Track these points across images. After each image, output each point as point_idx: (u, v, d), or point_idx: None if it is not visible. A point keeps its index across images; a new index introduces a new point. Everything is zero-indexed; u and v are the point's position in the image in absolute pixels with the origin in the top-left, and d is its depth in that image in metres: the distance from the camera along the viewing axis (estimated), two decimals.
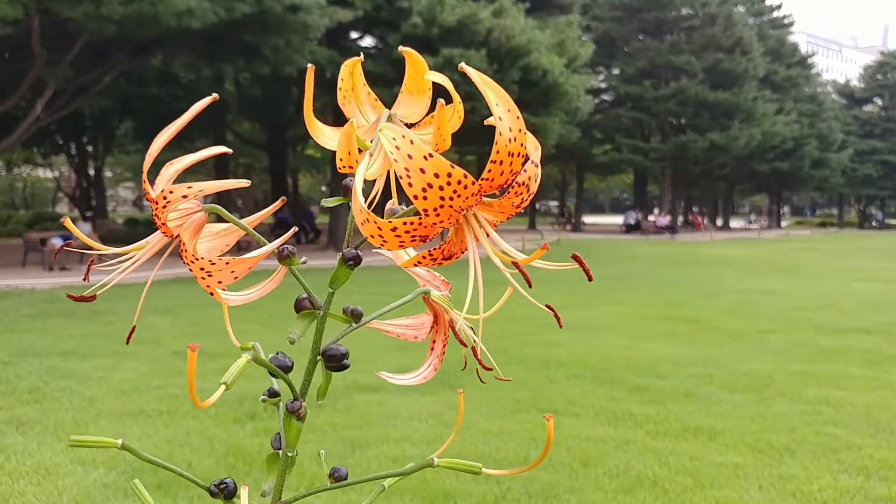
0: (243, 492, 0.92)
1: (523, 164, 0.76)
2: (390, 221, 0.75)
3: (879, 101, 66.46)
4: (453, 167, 0.71)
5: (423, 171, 0.70)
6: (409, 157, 0.70)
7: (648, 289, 15.85)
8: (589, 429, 5.87)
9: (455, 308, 0.95)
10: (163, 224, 0.85)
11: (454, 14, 21.66)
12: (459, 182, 0.72)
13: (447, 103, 0.83)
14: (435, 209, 0.73)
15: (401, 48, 0.88)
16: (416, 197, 0.71)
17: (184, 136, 36.85)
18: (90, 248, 0.89)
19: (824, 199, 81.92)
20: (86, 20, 16.01)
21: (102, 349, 8.61)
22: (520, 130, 0.73)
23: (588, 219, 58.95)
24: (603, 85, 50.89)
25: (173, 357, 8.15)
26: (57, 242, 19.04)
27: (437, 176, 0.71)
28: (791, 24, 60.83)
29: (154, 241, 0.89)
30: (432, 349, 0.99)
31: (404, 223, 0.75)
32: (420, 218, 0.74)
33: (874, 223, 64.21)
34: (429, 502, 4.40)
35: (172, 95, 27.16)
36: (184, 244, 0.85)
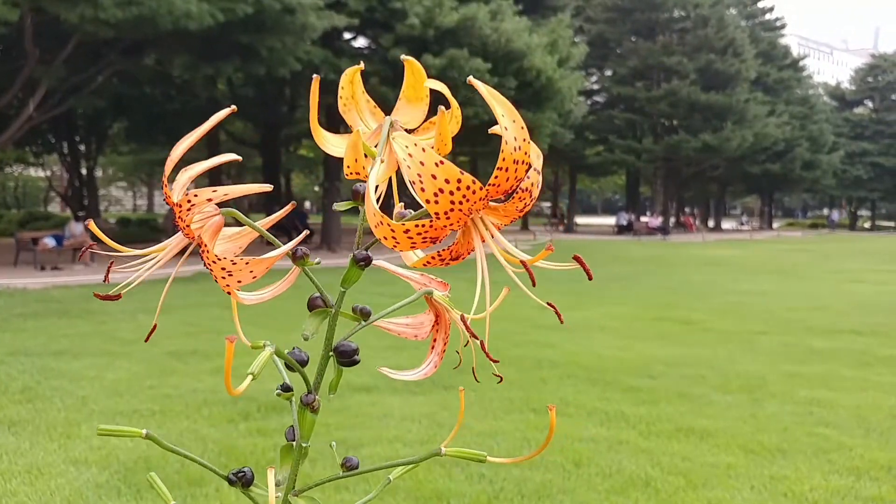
0: (269, 474, 0.95)
1: (527, 172, 0.80)
2: (403, 224, 0.79)
3: (870, 104, 66.71)
4: (462, 173, 0.75)
5: (434, 177, 0.75)
6: (422, 163, 0.74)
7: (641, 290, 15.88)
8: (582, 429, 5.88)
9: (455, 308, 0.99)
10: (186, 226, 0.89)
11: (452, 17, 21.65)
12: (468, 187, 0.76)
13: (446, 109, 0.87)
14: (446, 212, 0.77)
15: (402, 57, 0.91)
16: (427, 201, 0.76)
17: (176, 137, 36.96)
18: (113, 250, 0.94)
19: (815, 200, 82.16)
20: (82, 23, 15.95)
21: (95, 349, 8.59)
22: (524, 140, 0.78)
23: (580, 220, 58.99)
24: (595, 86, 50.94)
25: (167, 357, 8.13)
26: (49, 242, 19.00)
27: (447, 181, 0.75)
28: (783, 26, 61.02)
29: (174, 242, 0.93)
30: (433, 347, 1.02)
31: (416, 225, 0.79)
32: (431, 221, 0.79)
33: (828, 224, 64.40)
34: (422, 502, 4.41)
35: (166, 95, 27.09)
36: (204, 245, 0.88)
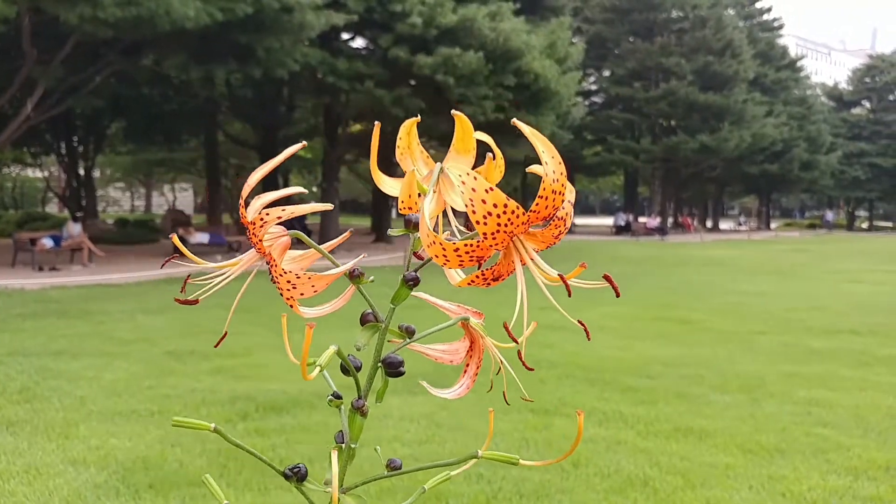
0: (333, 455, 1.03)
1: (562, 203, 0.92)
2: (454, 243, 0.89)
3: (868, 104, 66.82)
4: (508, 200, 0.85)
5: (484, 201, 0.85)
6: (474, 189, 0.84)
7: (639, 290, 15.88)
8: None
9: (489, 335, 1.13)
10: (259, 241, 1.00)
11: (451, 17, 21.65)
12: (513, 212, 0.86)
13: (493, 157, 1.04)
14: (493, 233, 0.87)
15: (453, 112, 1.03)
16: (477, 222, 0.86)
17: (174, 137, 36.63)
18: (192, 262, 1.05)
19: (813, 201, 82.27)
20: (81, 23, 15.94)
21: (94, 349, 8.58)
22: (562, 174, 0.89)
23: (579, 220, 58.96)
24: (594, 87, 50.96)
25: (165, 357, 8.13)
26: (47, 242, 18.98)
27: (495, 206, 0.85)
28: (781, 27, 61.10)
29: (246, 258, 1.05)
30: (465, 371, 1.16)
31: (465, 244, 0.89)
32: (478, 241, 0.88)
33: (825, 225, 64.53)
34: (421, 502, 4.40)
35: (163, 96, 27.09)
36: (273, 261, 1.00)
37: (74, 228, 19.78)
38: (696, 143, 44.63)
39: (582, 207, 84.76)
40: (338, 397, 1.07)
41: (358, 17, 21.20)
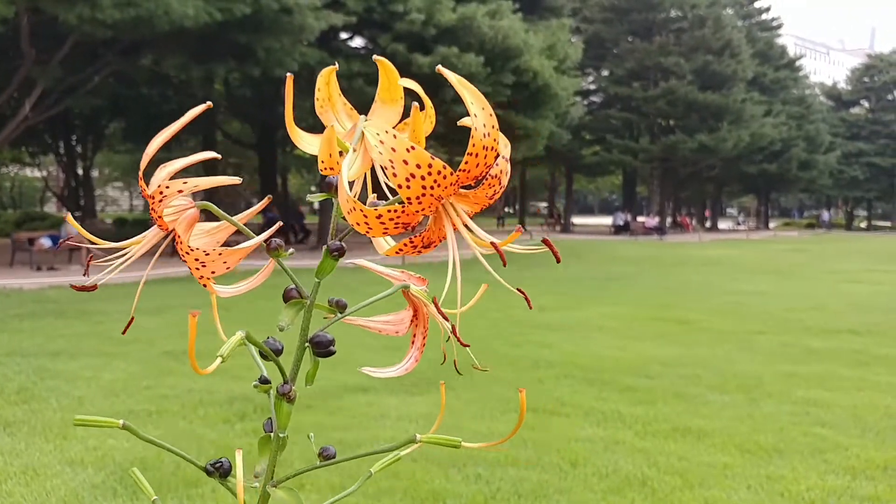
0: (237, 455, 0.95)
1: (496, 159, 0.83)
2: (375, 209, 0.81)
3: (866, 104, 66.83)
4: (433, 159, 0.77)
5: (406, 162, 0.76)
6: (393, 149, 0.76)
7: (638, 290, 15.89)
8: (578, 429, 5.88)
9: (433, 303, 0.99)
10: (159, 217, 0.91)
11: (451, 16, 21.64)
12: (439, 172, 0.78)
13: (421, 108, 0.90)
14: (417, 197, 0.79)
15: (374, 57, 0.93)
16: (399, 186, 0.77)
17: (175, 137, 36.84)
18: (90, 243, 0.96)
19: (812, 200, 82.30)
20: (80, 23, 15.93)
21: (91, 349, 8.57)
22: (493, 127, 0.81)
23: (577, 220, 59.03)
24: (592, 86, 50.96)
25: (163, 357, 8.12)
26: (45, 242, 18.96)
27: (418, 167, 0.77)
28: (779, 26, 61.09)
29: (150, 235, 0.96)
30: (412, 342, 1.04)
31: (388, 211, 0.81)
32: (403, 206, 0.80)
33: (822, 224, 64.64)
34: (419, 503, 4.40)
35: (162, 95, 27.07)
36: (179, 237, 0.91)
37: (73, 228, 19.74)
38: (694, 143, 44.62)
39: (580, 207, 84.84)
40: (265, 381, 0.97)
41: (357, 17, 21.20)
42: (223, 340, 0.90)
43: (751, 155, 48.98)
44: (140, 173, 0.93)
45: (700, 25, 47.03)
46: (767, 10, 60.07)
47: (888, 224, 72.48)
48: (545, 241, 0.87)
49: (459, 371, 1.03)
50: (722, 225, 64.87)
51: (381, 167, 0.78)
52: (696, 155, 45.66)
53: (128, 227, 30.85)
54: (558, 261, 0.87)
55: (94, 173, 42.28)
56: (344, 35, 24.90)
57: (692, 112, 45.86)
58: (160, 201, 0.90)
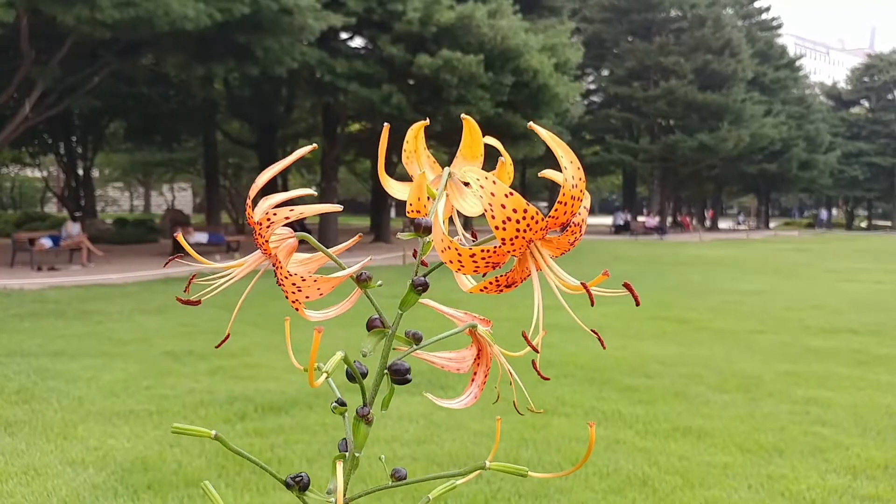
0: (338, 466, 1.02)
1: (580, 208, 0.91)
2: (470, 249, 0.88)
3: (866, 103, 66.82)
4: (528, 205, 0.84)
5: (503, 206, 0.84)
6: (493, 194, 0.83)
7: (638, 289, 15.54)
8: (579, 428, 5.89)
9: (496, 342, 1.12)
10: (265, 242, 0.98)
11: (449, 15, 21.63)
12: (532, 217, 0.85)
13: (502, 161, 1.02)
14: (511, 239, 0.86)
15: (462, 115, 1.02)
16: (496, 227, 0.85)
17: (172, 137, 36.53)
18: (196, 261, 1.04)
19: (812, 200, 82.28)
20: (79, 24, 15.92)
21: (92, 349, 8.58)
22: (580, 179, 0.88)
23: None
24: (592, 86, 50.96)
25: (163, 357, 8.12)
26: (46, 242, 18.97)
27: (515, 211, 0.84)
28: (779, 26, 61.08)
29: (251, 259, 1.03)
30: (473, 380, 1.15)
31: (482, 250, 0.88)
32: (495, 247, 0.87)
33: (819, 224, 64.66)
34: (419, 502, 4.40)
35: (162, 95, 27.07)
36: (279, 262, 0.98)
37: (73, 228, 19.77)
38: (694, 143, 44.63)
39: None
40: (342, 404, 1.05)
41: (357, 17, 21.19)
42: (294, 362, 0.99)
43: (751, 155, 49.01)
44: (248, 202, 1.00)
45: (700, 25, 47.04)
46: (767, 9, 60.08)
47: (888, 223, 72.45)
48: (626, 286, 0.96)
49: (520, 411, 1.18)
50: (722, 224, 64.84)
51: (484, 209, 0.85)
52: (696, 155, 45.68)
53: (128, 228, 30.86)
54: (637, 304, 0.96)
55: (95, 173, 42.25)
56: (344, 35, 24.90)
57: (692, 112, 45.86)
58: (268, 227, 0.97)
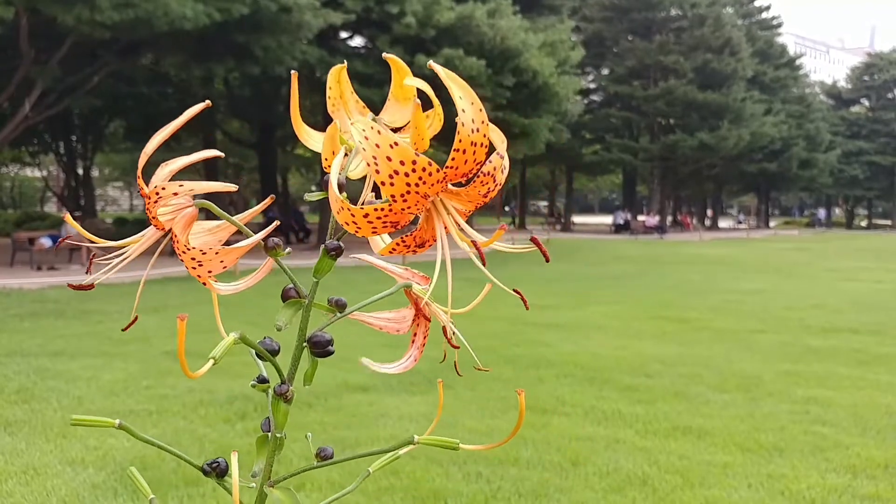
0: (233, 457, 0.96)
1: (488, 155, 0.80)
2: (362, 208, 0.80)
3: (866, 102, 66.86)
4: (418, 155, 0.76)
5: (389, 158, 0.75)
6: (377, 146, 0.75)
7: (638, 289, 15.89)
8: (579, 428, 5.88)
9: (436, 302, 1.00)
10: (154, 217, 0.91)
11: (449, 15, 21.61)
12: (424, 169, 0.76)
13: (429, 107, 0.88)
14: (402, 195, 0.77)
15: (384, 55, 0.90)
16: (383, 183, 0.76)
17: (174, 136, 36.79)
18: (89, 242, 0.96)
19: (812, 199, 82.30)
20: (78, 24, 15.92)
21: (91, 349, 8.57)
22: (482, 122, 0.78)
23: (577, 219, 59.04)
24: (592, 85, 50.96)
25: (163, 357, 8.12)
26: (45, 242, 18.96)
27: (402, 163, 0.75)
28: (779, 25, 61.10)
29: (148, 234, 0.96)
30: (413, 341, 1.04)
31: (375, 209, 0.79)
32: (390, 204, 0.79)
33: (817, 223, 64.70)
34: (419, 502, 4.40)
35: (162, 95, 27.07)
36: (175, 236, 0.91)
37: (72, 228, 19.75)
38: (694, 142, 44.64)
39: (581, 206, 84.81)
40: (262, 381, 0.97)
41: (356, 17, 21.18)
42: (223, 336, 0.92)
43: (751, 154, 49.04)
44: (139, 172, 0.93)
45: (700, 24, 47.05)
46: (767, 8, 60.10)
47: (888, 222, 72.47)
48: (533, 240, 0.86)
49: (460, 372, 1.03)
50: (722, 224, 64.86)
51: (366, 164, 0.76)
52: (696, 154, 45.69)
53: (128, 227, 30.85)
54: (547, 260, 0.85)
55: (94, 173, 42.25)
56: (343, 34, 24.89)
57: (692, 111, 45.88)
58: (155, 202, 0.90)
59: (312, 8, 18.73)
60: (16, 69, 19.01)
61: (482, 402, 6.43)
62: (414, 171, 0.76)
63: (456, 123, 0.83)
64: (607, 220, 55.39)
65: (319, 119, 30.89)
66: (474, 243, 0.83)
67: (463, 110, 0.77)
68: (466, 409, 6.19)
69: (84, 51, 19.57)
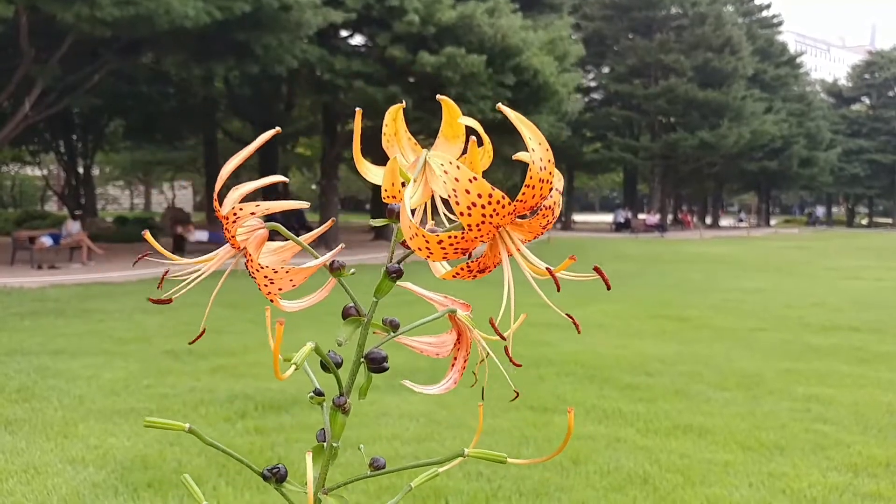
0: (308, 457, 1.00)
1: (550, 191, 0.88)
2: (437, 235, 0.86)
3: (867, 101, 66.81)
4: (493, 189, 0.82)
5: (468, 191, 0.82)
6: (457, 179, 0.81)
7: (638, 287, 15.88)
8: (579, 426, 5.88)
9: (476, 327, 1.08)
10: (232, 237, 0.98)
11: (450, 14, 21.59)
12: (498, 202, 0.83)
13: (479, 144, 0.96)
14: (477, 225, 0.84)
15: (438, 96, 0.99)
16: (461, 214, 0.83)
17: (173, 135, 36.55)
18: (165, 259, 1.03)
19: (813, 197, 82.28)
20: (78, 22, 15.90)
21: (92, 348, 8.57)
22: (549, 161, 0.86)
23: (578, 217, 59.00)
24: (593, 83, 50.96)
25: (164, 356, 8.12)
26: (46, 241, 18.96)
27: (479, 196, 0.82)
28: (780, 23, 61.04)
29: (222, 252, 1.02)
30: (453, 365, 1.12)
31: (449, 237, 0.86)
32: (463, 233, 0.86)
33: (814, 221, 64.72)
34: (420, 500, 4.40)
35: (162, 94, 27.05)
36: (249, 255, 0.98)
37: (73, 227, 19.77)
38: (695, 140, 44.63)
39: (581, 204, 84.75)
40: (319, 394, 1.04)
41: (356, 15, 21.16)
42: (269, 348, 0.95)
43: (751, 152, 49.03)
44: (215, 195, 1.00)
45: (700, 22, 47.04)
46: (768, 6, 60.04)
47: (889, 221, 72.45)
48: (596, 269, 0.93)
49: (484, 398, 1.14)
50: (723, 222, 64.85)
51: (446, 196, 0.83)
52: (696, 152, 45.70)
53: (129, 226, 30.86)
54: (608, 288, 0.94)
55: (95, 172, 42.24)
56: (344, 33, 24.86)
57: (693, 109, 45.87)
58: (234, 222, 0.97)
59: (313, 6, 18.72)
60: (16, 68, 19.00)
61: (485, 401, 6.42)
62: (490, 203, 0.82)
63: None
64: (608, 218, 55.39)
65: (319, 118, 30.78)
66: (549, 270, 0.90)
67: (533, 150, 0.84)
68: (467, 408, 6.19)
69: (84, 49, 19.55)
